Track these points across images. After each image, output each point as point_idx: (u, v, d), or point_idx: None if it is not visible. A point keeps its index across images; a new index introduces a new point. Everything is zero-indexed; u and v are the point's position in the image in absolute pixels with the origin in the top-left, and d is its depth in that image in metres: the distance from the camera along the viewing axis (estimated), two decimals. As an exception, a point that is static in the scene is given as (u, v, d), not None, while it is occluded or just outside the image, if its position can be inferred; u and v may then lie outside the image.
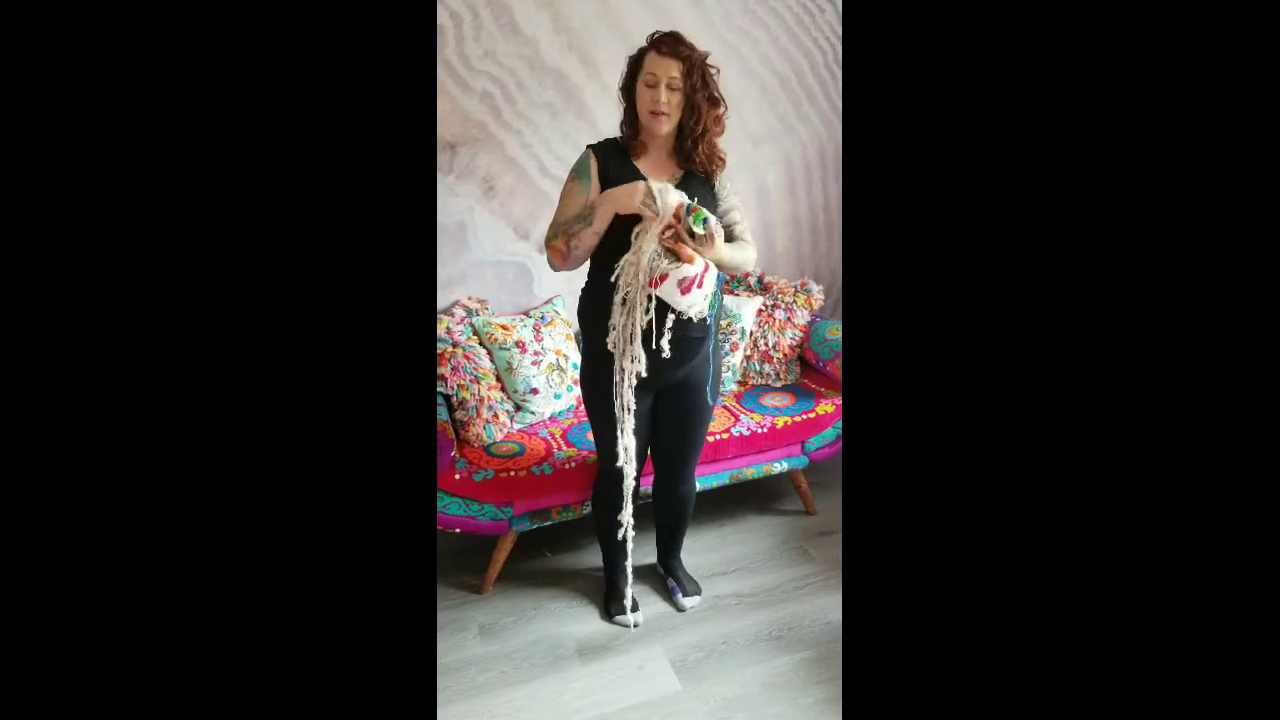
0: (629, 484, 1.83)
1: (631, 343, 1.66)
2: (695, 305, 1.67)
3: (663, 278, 1.62)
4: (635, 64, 1.70)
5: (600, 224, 1.65)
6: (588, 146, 1.78)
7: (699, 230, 1.60)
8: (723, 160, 1.77)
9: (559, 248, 1.70)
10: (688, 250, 1.62)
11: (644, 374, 1.68)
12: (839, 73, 2.91)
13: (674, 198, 1.61)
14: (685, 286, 1.63)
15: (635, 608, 2.09)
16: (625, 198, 1.62)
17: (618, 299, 1.66)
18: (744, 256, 1.78)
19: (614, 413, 1.75)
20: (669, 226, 1.62)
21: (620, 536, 1.90)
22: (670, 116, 1.67)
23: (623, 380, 1.71)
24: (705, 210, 1.62)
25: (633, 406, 1.74)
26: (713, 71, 1.69)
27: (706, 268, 1.66)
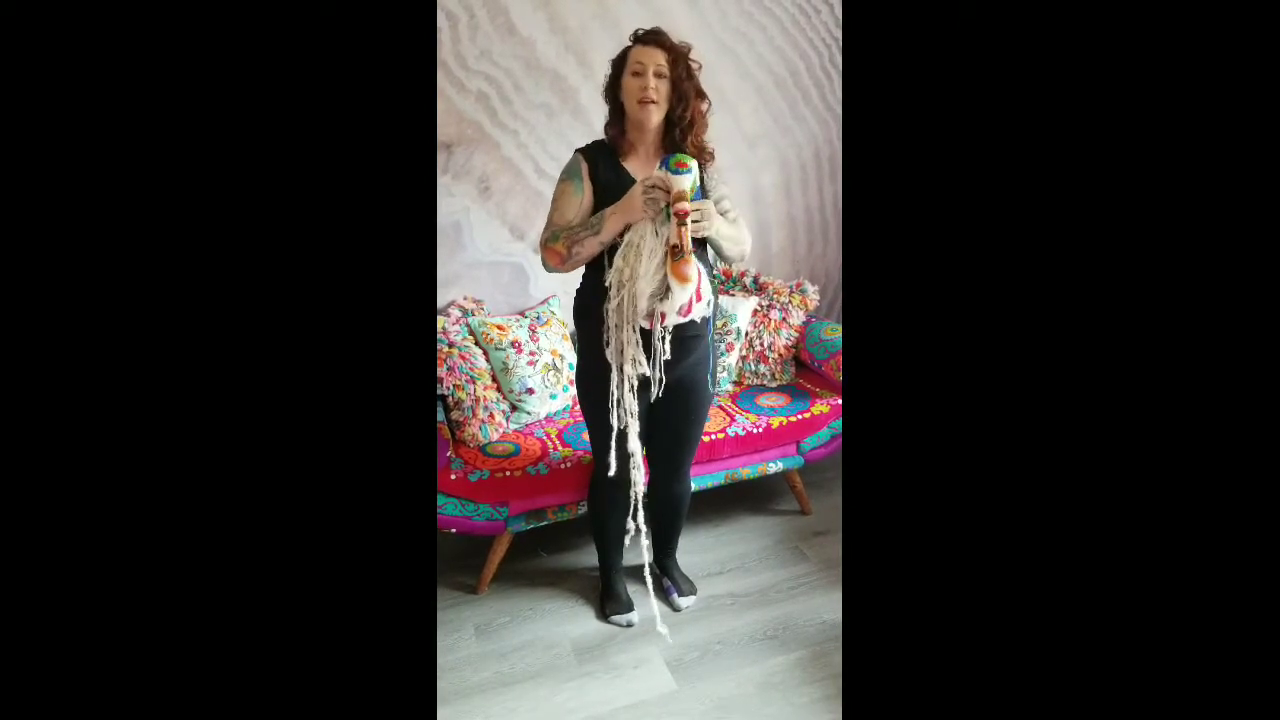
0: (637, 490, 1.82)
1: (627, 350, 1.68)
2: (700, 312, 1.68)
3: (662, 316, 1.63)
4: (620, 62, 1.72)
5: (608, 235, 1.65)
6: (576, 150, 1.79)
7: (689, 167, 1.57)
8: (711, 155, 1.78)
9: (559, 251, 1.69)
10: (684, 236, 1.56)
11: (646, 373, 1.69)
12: (835, 74, 2.92)
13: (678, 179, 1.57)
14: (685, 309, 1.64)
15: (631, 608, 2.09)
16: (632, 207, 1.62)
17: (610, 307, 1.66)
18: (740, 233, 1.78)
19: (609, 412, 1.75)
20: (677, 208, 1.56)
21: (625, 541, 1.90)
22: (659, 105, 1.68)
23: (622, 384, 1.71)
24: (686, 158, 1.59)
25: (635, 410, 1.74)
26: (694, 66, 1.70)
27: (700, 278, 1.65)
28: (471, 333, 2.39)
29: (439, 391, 2.17)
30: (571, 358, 2.45)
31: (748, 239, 1.81)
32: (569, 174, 1.76)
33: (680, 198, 1.56)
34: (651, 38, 1.68)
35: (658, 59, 1.65)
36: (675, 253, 1.58)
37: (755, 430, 2.34)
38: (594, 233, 1.66)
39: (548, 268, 1.75)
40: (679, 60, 1.67)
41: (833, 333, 2.57)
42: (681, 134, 1.72)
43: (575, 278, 1.86)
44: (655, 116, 1.69)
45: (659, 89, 1.66)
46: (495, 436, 2.24)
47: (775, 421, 2.38)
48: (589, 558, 2.31)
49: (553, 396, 2.38)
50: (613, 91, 1.74)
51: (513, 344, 2.35)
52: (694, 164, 1.60)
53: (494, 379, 2.34)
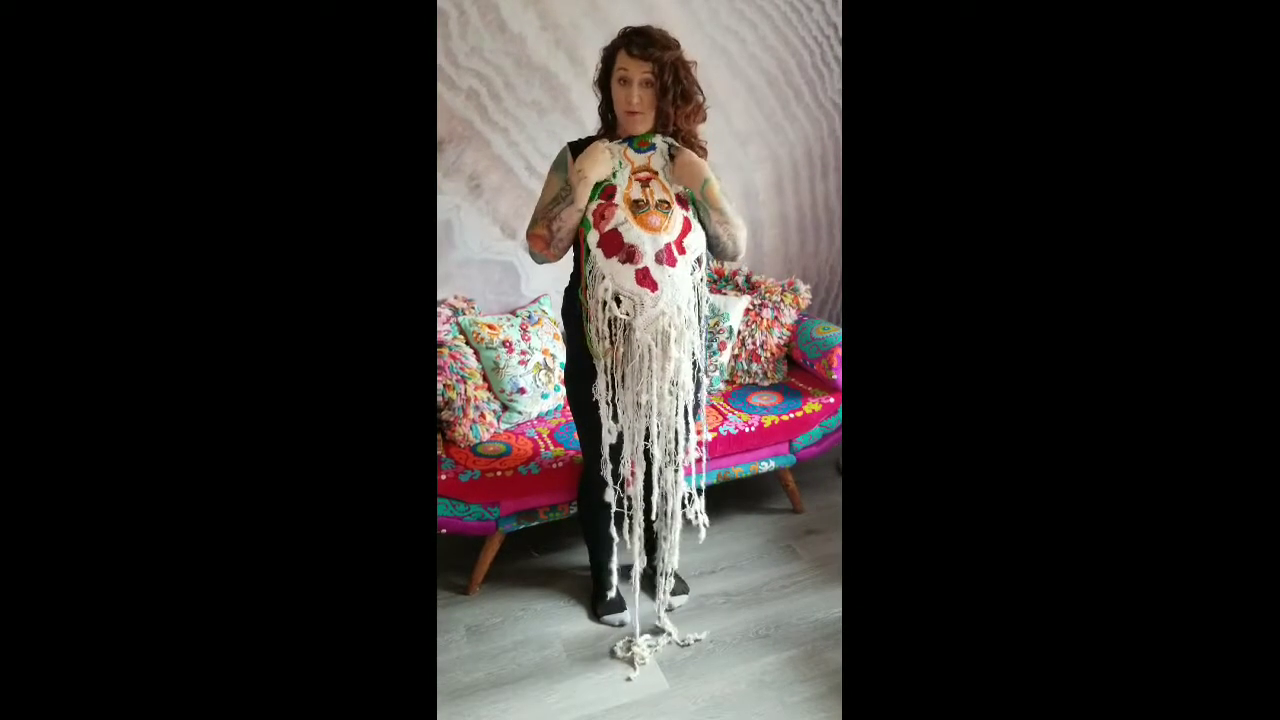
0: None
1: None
2: (686, 266, 1.69)
3: (631, 252, 1.63)
4: (609, 59, 1.71)
5: (582, 199, 1.66)
6: (567, 144, 1.78)
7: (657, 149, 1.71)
8: (704, 150, 1.77)
9: (541, 234, 1.70)
10: (648, 194, 1.68)
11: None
12: (827, 71, 2.91)
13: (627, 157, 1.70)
14: (665, 257, 1.64)
15: (622, 607, 2.09)
16: (593, 164, 1.66)
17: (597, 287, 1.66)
18: (739, 222, 1.77)
19: (598, 412, 1.75)
20: (639, 175, 1.69)
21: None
22: (645, 115, 1.68)
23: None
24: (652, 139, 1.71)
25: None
26: (690, 64, 1.69)
27: (686, 228, 1.68)
28: (462, 332, 2.38)
29: (430, 391, 2.16)
30: (563, 357, 2.44)
31: (743, 234, 1.78)
32: (556, 166, 1.76)
33: (643, 169, 1.69)
34: (638, 49, 1.64)
35: (643, 71, 1.64)
36: (637, 206, 1.66)
37: (748, 429, 2.34)
38: (569, 203, 1.66)
39: (535, 258, 1.75)
40: (664, 70, 1.65)
41: (825, 331, 2.57)
42: (673, 134, 1.72)
43: (565, 276, 1.85)
44: (642, 125, 1.70)
45: (644, 99, 1.66)
46: (486, 436, 2.23)
47: (767, 420, 2.38)
48: (581, 557, 2.30)
49: (544, 396, 2.37)
50: (604, 83, 1.73)
51: (504, 343, 2.34)
52: (658, 142, 1.70)
53: (485, 379, 2.33)
